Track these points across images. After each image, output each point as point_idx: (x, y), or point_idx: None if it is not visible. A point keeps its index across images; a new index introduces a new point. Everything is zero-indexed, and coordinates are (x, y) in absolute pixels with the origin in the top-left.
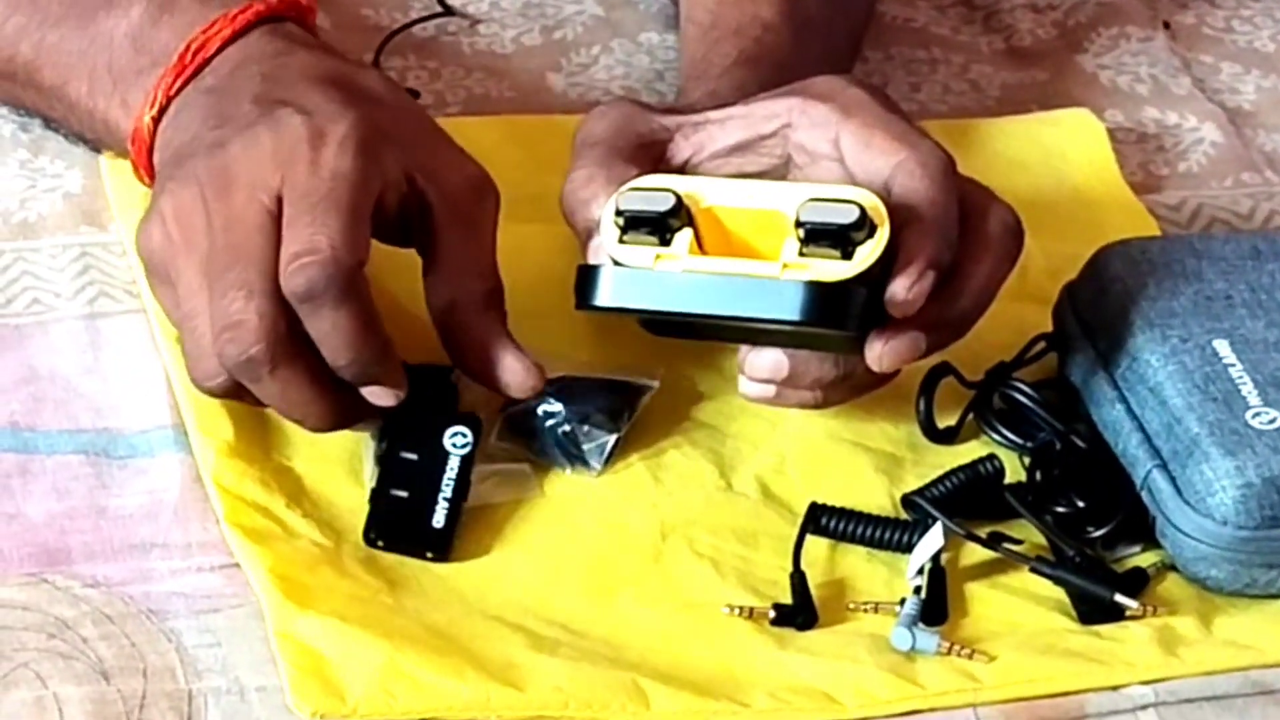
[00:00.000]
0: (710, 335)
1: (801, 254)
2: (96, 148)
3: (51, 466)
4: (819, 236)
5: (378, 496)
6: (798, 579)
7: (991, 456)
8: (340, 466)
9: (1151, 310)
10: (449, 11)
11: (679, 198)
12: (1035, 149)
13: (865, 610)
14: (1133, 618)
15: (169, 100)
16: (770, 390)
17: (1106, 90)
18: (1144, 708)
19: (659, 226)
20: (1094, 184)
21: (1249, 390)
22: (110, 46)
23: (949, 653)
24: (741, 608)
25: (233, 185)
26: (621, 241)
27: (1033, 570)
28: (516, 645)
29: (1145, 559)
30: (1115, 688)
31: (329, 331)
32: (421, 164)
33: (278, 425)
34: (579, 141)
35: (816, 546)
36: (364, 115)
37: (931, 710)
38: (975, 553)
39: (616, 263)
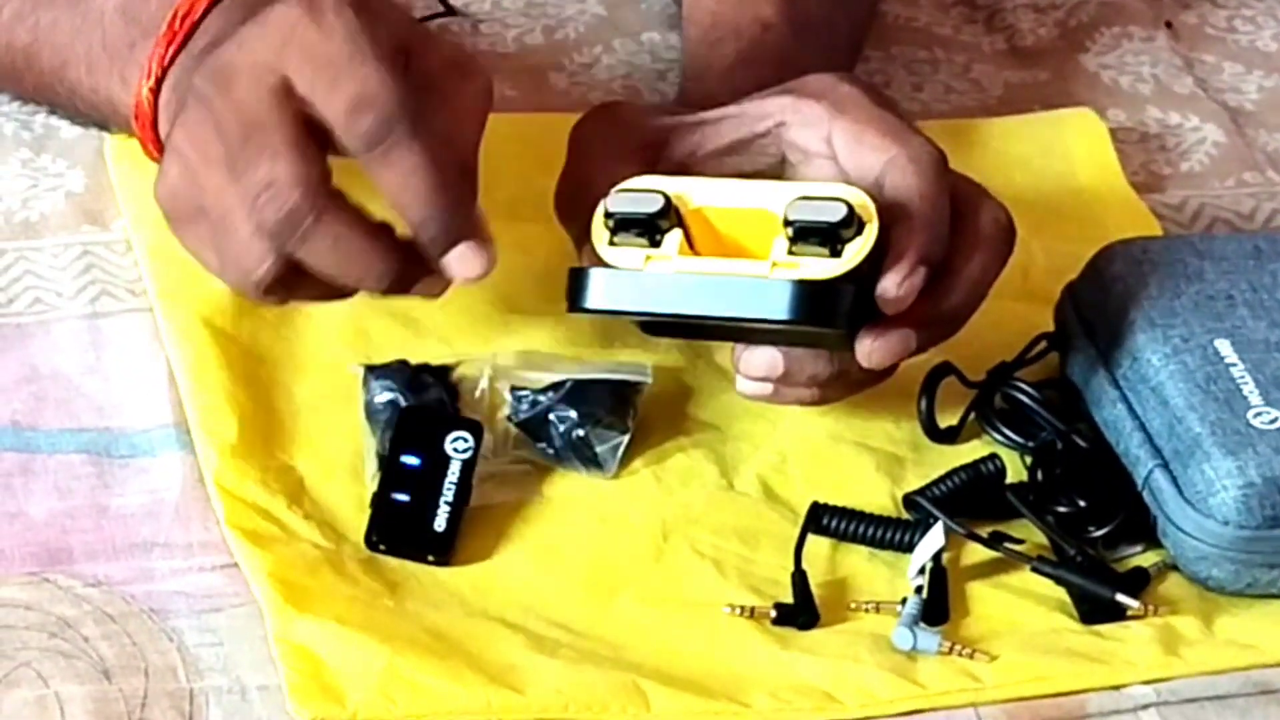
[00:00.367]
0: (705, 335)
1: (790, 252)
2: (104, 128)
3: (53, 466)
4: (807, 234)
5: (379, 500)
6: (799, 578)
7: (993, 456)
8: (342, 466)
9: (1153, 310)
10: (451, 11)
11: (668, 199)
12: (1037, 149)
13: (866, 610)
14: (1134, 617)
15: (164, 70)
16: (767, 388)
17: (1108, 90)
18: (1145, 707)
19: (648, 228)
20: (1096, 184)
21: (1250, 390)
22: (102, 22)
23: (950, 652)
24: (743, 607)
25: (233, 80)
26: (611, 244)
27: (1034, 570)
28: (517, 647)
29: (1146, 559)
30: (1117, 687)
31: (407, 176)
32: (405, 41)
33: (281, 424)
34: (573, 142)
35: (818, 546)
36: None
37: (933, 710)
38: (977, 552)
39: (607, 265)
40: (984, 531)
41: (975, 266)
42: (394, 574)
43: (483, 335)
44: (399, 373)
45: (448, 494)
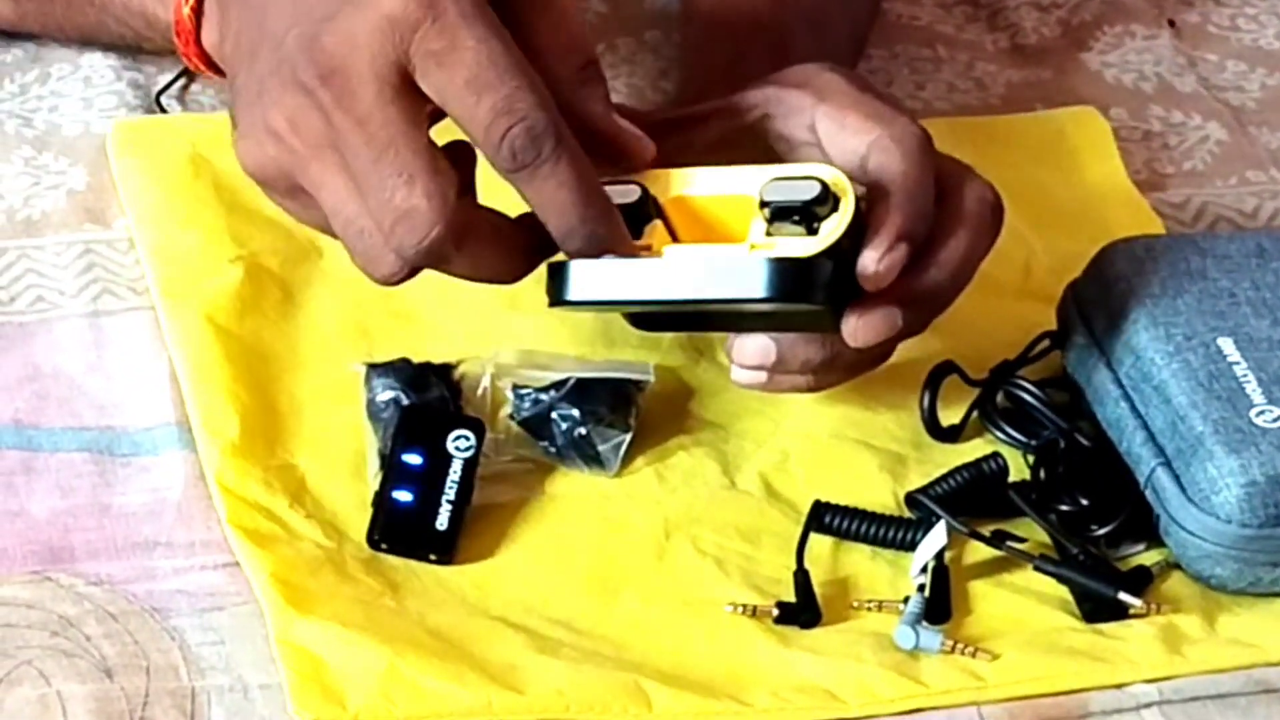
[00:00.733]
0: (695, 325)
1: (768, 234)
2: (138, 47)
3: (55, 464)
4: (784, 214)
5: (381, 499)
6: (801, 577)
7: (995, 455)
8: (344, 465)
9: (1156, 308)
10: None
11: (645, 190)
12: (1040, 147)
13: (869, 608)
14: (1136, 616)
15: None
16: (762, 376)
17: (1111, 88)
18: (1147, 706)
19: (627, 219)
20: (1099, 182)
21: (1253, 388)
22: None
23: (952, 651)
24: (745, 606)
25: (344, 74)
26: None
27: (1036, 568)
28: (518, 647)
29: (1149, 557)
30: (1119, 686)
31: (553, 193)
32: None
33: (283, 422)
34: None
35: (820, 545)
36: None
37: (935, 709)
38: (979, 551)
39: None
40: (986, 530)
41: (960, 243)
42: (395, 573)
43: (485, 334)
44: (401, 371)
45: (450, 493)
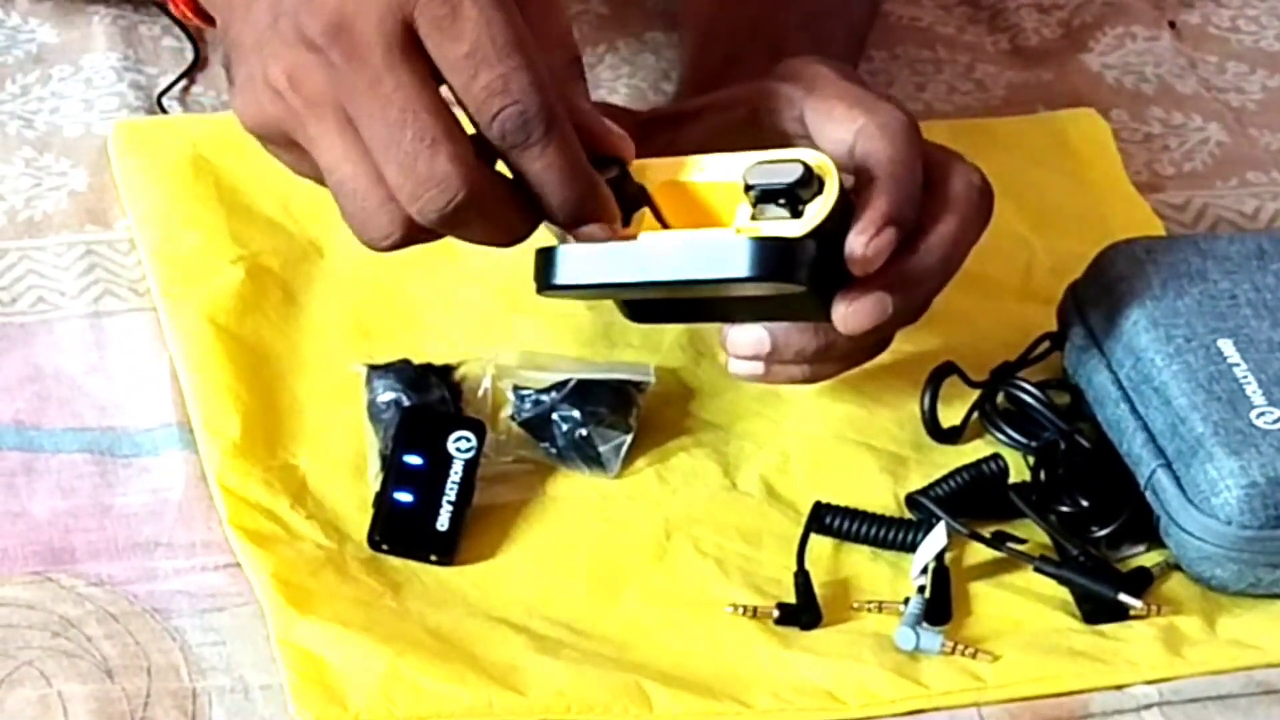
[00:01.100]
0: (688, 313)
1: (754, 218)
2: None
3: (56, 465)
4: (769, 197)
5: (382, 500)
6: (802, 578)
7: (996, 456)
8: (345, 466)
9: (1156, 310)
10: None
11: (623, 166)
12: (1041, 149)
13: (869, 610)
14: (1137, 617)
15: None
16: (758, 367)
17: (1112, 90)
18: (1148, 707)
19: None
20: (1099, 183)
21: (1253, 390)
22: None
23: (953, 652)
24: (745, 607)
25: (350, 33)
26: None
27: (1037, 570)
28: (519, 647)
29: (1149, 559)
30: (1119, 687)
31: (543, 170)
32: None
33: (283, 423)
34: None
35: (821, 546)
36: None
37: (935, 710)
38: (979, 552)
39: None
40: (986, 531)
41: (948, 227)
42: (396, 574)
43: (486, 335)
44: (402, 372)
45: (450, 494)
